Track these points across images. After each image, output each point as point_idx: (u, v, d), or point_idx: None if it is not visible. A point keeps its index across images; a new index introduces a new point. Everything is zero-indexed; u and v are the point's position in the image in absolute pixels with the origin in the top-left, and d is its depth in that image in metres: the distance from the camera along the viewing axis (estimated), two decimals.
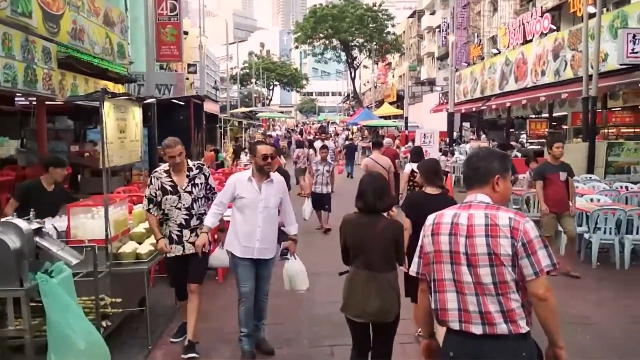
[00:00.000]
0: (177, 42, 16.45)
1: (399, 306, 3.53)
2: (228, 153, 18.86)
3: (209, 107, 24.21)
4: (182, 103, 19.83)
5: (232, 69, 64.20)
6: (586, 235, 7.49)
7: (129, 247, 4.85)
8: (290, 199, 4.84)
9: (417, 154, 8.47)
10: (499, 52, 23.75)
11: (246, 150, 19.83)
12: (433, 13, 49.48)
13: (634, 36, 12.20)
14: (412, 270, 2.53)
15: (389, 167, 9.22)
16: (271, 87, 77.87)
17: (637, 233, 7.10)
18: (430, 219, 2.45)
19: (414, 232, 4.07)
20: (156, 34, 16.20)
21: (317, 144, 13.91)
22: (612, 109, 17.59)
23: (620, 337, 5.10)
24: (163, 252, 4.66)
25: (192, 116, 19.26)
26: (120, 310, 4.61)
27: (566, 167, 7.06)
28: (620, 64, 12.88)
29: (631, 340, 5.02)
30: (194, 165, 4.77)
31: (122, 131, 6.33)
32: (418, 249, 2.50)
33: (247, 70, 64.30)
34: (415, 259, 2.51)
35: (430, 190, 4.44)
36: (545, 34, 19.24)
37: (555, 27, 18.43)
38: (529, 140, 16.91)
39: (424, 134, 12.28)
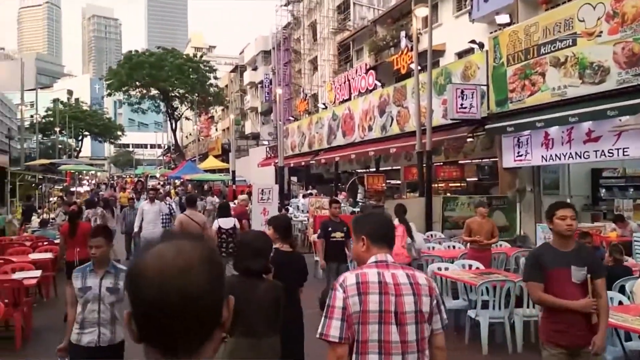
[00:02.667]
0: None
1: None
2: (15, 214, 15.02)
3: None
4: None
5: (31, 116, 56.68)
6: (471, 313, 6.40)
7: None
8: None
9: (223, 210, 8.90)
10: (326, 107, 23.81)
11: (40, 211, 16.14)
12: (255, 69, 49.81)
13: (462, 92, 12.44)
14: (333, 336, 2.31)
15: (204, 223, 8.81)
16: (80, 138, 70.50)
17: (528, 306, 6.19)
18: (351, 278, 2.38)
19: None
20: None
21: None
22: (438, 164, 18.32)
23: None
24: None
25: None
26: None
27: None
28: (452, 119, 13.04)
29: None
30: None
31: None
32: (338, 311, 2.32)
33: (52, 119, 57.23)
34: (336, 323, 2.32)
35: (284, 247, 4.25)
36: (371, 90, 19.57)
37: (380, 84, 18.81)
38: (367, 196, 16.65)
39: (262, 190, 10.74)
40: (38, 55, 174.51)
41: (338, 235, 7.56)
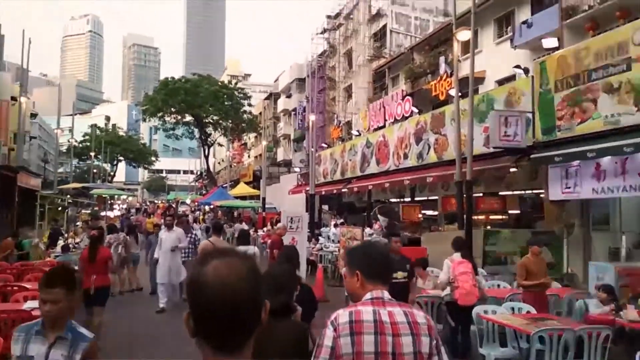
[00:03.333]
0: None
1: None
2: (42, 238, 14.86)
3: (27, 181, 19.84)
4: None
5: (68, 141, 58.19)
6: None
7: None
8: None
9: (242, 238, 8.91)
10: (359, 134, 23.31)
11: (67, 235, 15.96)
12: (289, 96, 50.06)
13: (506, 119, 11.74)
14: None
15: None
16: (115, 163, 71.81)
17: (589, 358, 5.37)
18: (344, 316, 2.20)
19: None
20: None
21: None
22: (478, 195, 17.49)
23: None
24: None
25: None
26: None
27: None
28: (494, 147, 12.31)
29: None
30: None
31: None
32: (326, 350, 2.17)
33: (88, 144, 58.52)
34: None
35: None
36: (407, 117, 19.00)
37: (417, 110, 18.24)
38: (402, 227, 15.89)
39: (291, 218, 10.21)
40: (79, 82, 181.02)
41: (400, 275, 6.12)
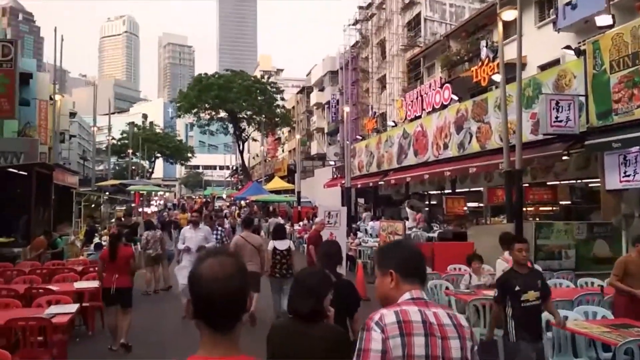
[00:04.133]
0: (10, 93, 12.67)
1: None
2: (78, 236, 14.79)
3: (64, 178, 19.93)
4: (24, 173, 15.73)
5: (108, 138, 59.38)
6: None
7: None
8: None
9: (277, 232, 8.78)
10: (396, 125, 22.58)
11: (100, 232, 15.87)
12: (322, 89, 49.54)
13: (557, 103, 10.88)
14: None
15: (259, 245, 8.64)
16: (153, 160, 72.90)
17: None
18: (389, 316, 2.02)
19: None
20: None
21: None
22: (524, 185, 16.56)
23: None
24: None
25: (33, 189, 15.16)
26: None
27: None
28: (544, 134, 11.47)
29: None
30: None
31: None
32: (375, 356, 1.97)
33: (126, 142, 59.53)
34: None
35: None
36: (446, 106, 18.19)
37: (457, 98, 17.41)
38: (445, 220, 15.14)
39: (329, 213, 9.67)
40: (116, 81, 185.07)
41: (531, 295, 4.60)
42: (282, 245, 8.45)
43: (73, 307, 5.27)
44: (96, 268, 8.40)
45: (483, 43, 17.05)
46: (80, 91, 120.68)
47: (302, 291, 2.85)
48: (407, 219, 16.84)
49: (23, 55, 66.48)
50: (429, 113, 19.62)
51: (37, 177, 15.20)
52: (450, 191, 19.33)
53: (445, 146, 17.42)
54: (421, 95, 20.02)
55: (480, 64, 16.48)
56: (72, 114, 58.83)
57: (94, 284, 7.06)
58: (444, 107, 18.37)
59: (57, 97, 22.47)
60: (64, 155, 50.64)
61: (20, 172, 15.24)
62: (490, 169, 14.71)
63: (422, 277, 2.20)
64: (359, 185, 24.74)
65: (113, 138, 61.65)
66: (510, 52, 13.47)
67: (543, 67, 16.64)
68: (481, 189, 17.60)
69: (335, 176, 32.73)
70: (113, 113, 58.77)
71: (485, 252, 8.81)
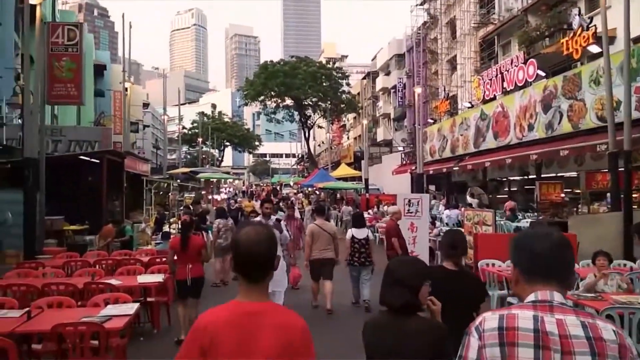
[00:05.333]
0: (77, 78, 12.56)
1: None
2: (149, 223, 14.70)
3: (136, 166, 20.12)
4: (96, 160, 15.87)
5: (179, 127, 60.98)
6: None
7: None
8: None
9: (357, 220, 8.67)
10: (472, 106, 21.10)
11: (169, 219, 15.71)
12: (388, 74, 48.19)
13: None
14: None
15: (334, 233, 8.51)
16: (222, 148, 74.43)
17: None
18: (491, 321, 1.72)
19: None
20: (48, 67, 12.36)
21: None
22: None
23: None
24: None
25: (104, 177, 15.24)
26: None
27: None
28: None
29: None
30: None
31: None
32: None
33: (197, 131, 60.97)
34: None
35: (447, 264, 3.68)
36: (531, 83, 16.62)
37: (544, 74, 15.82)
38: (540, 208, 13.67)
39: (409, 200, 8.74)
40: (186, 72, 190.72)
41: None
42: (361, 233, 8.40)
43: (132, 308, 4.72)
44: (163, 259, 7.98)
45: (575, 11, 15.30)
46: (153, 83, 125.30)
47: (394, 282, 2.66)
48: (471, 206, 15.80)
49: (99, 48, 69.44)
50: (509, 92, 18.07)
51: (109, 165, 15.28)
52: (535, 176, 17.73)
53: (531, 127, 15.90)
54: (501, 73, 18.45)
55: (572, 34, 14.78)
56: (145, 105, 60.90)
57: (159, 277, 6.54)
58: (526, 85, 16.79)
59: (127, 84, 22.69)
60: (138, 144, 52.49)
61: (92, 160, 15.38)
62: (583, 151, 13.16)
63: (558, 274, 1.77)
64: (430, 172, 23.49)
65: (184, 127, 63.21)
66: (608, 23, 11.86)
67: (635, 41, 14.71)
68: (574, 174, 15.93)
69: (404, 162, 31.53)
70: (184, 104, 60.25)
71: (590, 245, 7.62)
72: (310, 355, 1.94)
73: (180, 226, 6.90)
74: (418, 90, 22.10)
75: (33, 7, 10.73)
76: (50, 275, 6.81)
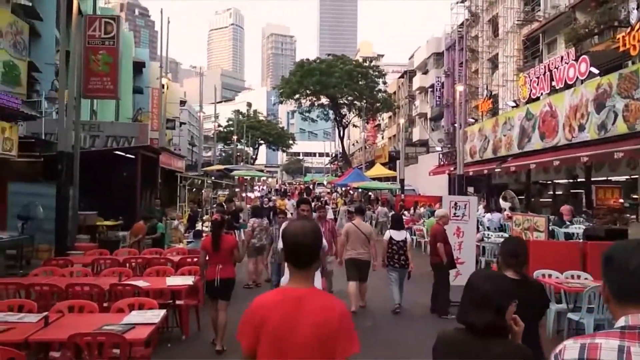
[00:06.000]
0: (113, 72, 12.39)
1: None
2: (182, 220, 14.49)
3: (170, 162, 20.05)
4: (132, 156, 15.78)
5: (214, 125, 61.53)
6: None
7: None
8: None
9: (396, 221, 8.61)
10: (517, 105, 20.19)
11: (202, 217, 15.46)
12: (425, 72, 47.24)
13: None
14: None
15: (370, 234, 8.31)
16: (256, 146, 74.71)
17: None
18: (572, 350, 1.55)
19: None
20: (84, 61, 12.25)
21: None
22: None
23: None
24: None
25: (139, 172, 15.12)
26: None
27: None
28: None
29: None
30: None
31: None
32: None
33: (232, 129, 61.37)
34: None
35: (509, 274, 3.42)
36: (582, 81, 15.69)
37: (597, 72, 14.89)
38: (596, 214, 12.77)
39: (455, 203, 8.14)
40: (223, 71, 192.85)
41: None
42: (399, 235, 8.23)
43: (157, 316, 4.34)
44: (194, 259, 7.63)
45: (633, 5, 14.33)
46: (191, 82, 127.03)
47: (477, 300, 2.31)
48: (505, 210, 15.07)
49: (139, 46, 70.57)
50: (558, 90, 17.15)
51: (143, 161, 15.16)
52: (583, 179, 16.77)
53: (582, 128, 15.00)
54: (550, 71, 17.52)
55: (629, 29, 13.84)
56: (182, 102, 61.63)
57: (188, 280, 6.15)
58: (575, 84, 15.86)
59: (164, 80, 22.67)
60: (174, 141, 53.08)
61: (128, 155, 15.28)
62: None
63: None
64: (470, 173, 22.65)
65: (219, 125, 63.71)
66: None
67: None
68: (624, 177, 14.88)
69: (442, 163, 30.64)
70: (220, 102, 60.57)
71: None
72: (351, 338, 2.12)
73: (211, 225, 6.53)
74: (460, 88, 21.26)
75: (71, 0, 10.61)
76: (76, 274, 6.53)
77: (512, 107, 20.95)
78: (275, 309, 2.10)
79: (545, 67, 18.10)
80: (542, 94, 18.27)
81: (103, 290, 5.42)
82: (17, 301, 4.73)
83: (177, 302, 6.12)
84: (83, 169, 12.11)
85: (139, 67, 42.79)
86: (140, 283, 5.71)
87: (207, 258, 6.27)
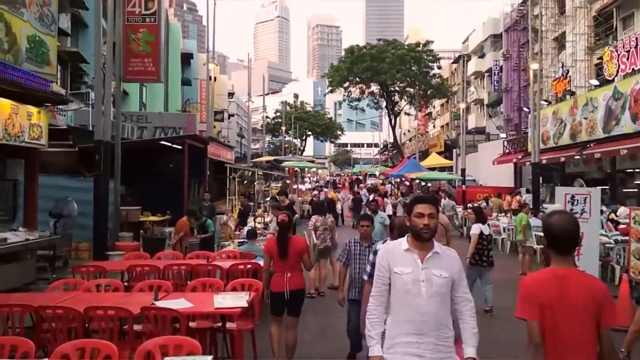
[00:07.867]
0: (155, 53, 11.26)
1: None
2: (232, 215, 13.33)
3: (219, 153, 18.99)
4: (179, 146, 14.77)
5: (265, 117, 60.99)
6: None
7: None
8: None
9: (480, 214, 8.13)
10: (600, 84, 17.95)
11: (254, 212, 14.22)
12: (482, 56, 44.64)
13: None
14: None
15: (447, 225, 7.60)
16: (304, 138, 73.69)
17: None
18: None
19: None
20: (123, 40, 11.17)
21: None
22: None
23: None
24: None
25: (186, 163, 14.08)
26: None
27: None
28: None
29: None
30: None
31: None
32: None
33: (280, 120, 60.60)
34: None
35: None
36: None
37: None
38: None
39: (572, 197, 6.51)
40: (270, 63, 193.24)
41: None
42: (487, 229, 7.79)
43: None
44: (247, 266, 6.32)
45: None
46: (238, 75, 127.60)
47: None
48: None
49: (187, 38, 70.73)
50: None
51: (191, 152, 14.13)
52: None
53: None
54: None
55: None
56: (230, 94, 61.30)
57: (241, 300, 4.72)
58: None
59: (212, 66, 21.63)
60: (223, 133, 52.74)
61: (174, 146, 14.30)
62: None
63: None
64: (544, 161, 20.52)
65: (267, 117, 63.08)
66: None
67: None
68: None
69: (507, 151, 28.42)
70: (267, 94, 59.91)
71: None
72: (614, 309, 2.55)
73: (278, 226, 5.24)
74: (534, 66, 19.17)
75: None
76: (105, 287, 5.33)
77: (596, 85, 18.68)
78: (546, 285, 2.47)
79: (637, 39, 15.81)
80: (632, 69, 16.02)
81: (133, 315, 4.16)
82: (9, 340, 3.44)
83: (229, 325, 4.79)
84: (127, 161, 11.12)
85: (186, 59, 42.32)
86: (181, 303, 4.41)
87: (271, 264, 5.12)
